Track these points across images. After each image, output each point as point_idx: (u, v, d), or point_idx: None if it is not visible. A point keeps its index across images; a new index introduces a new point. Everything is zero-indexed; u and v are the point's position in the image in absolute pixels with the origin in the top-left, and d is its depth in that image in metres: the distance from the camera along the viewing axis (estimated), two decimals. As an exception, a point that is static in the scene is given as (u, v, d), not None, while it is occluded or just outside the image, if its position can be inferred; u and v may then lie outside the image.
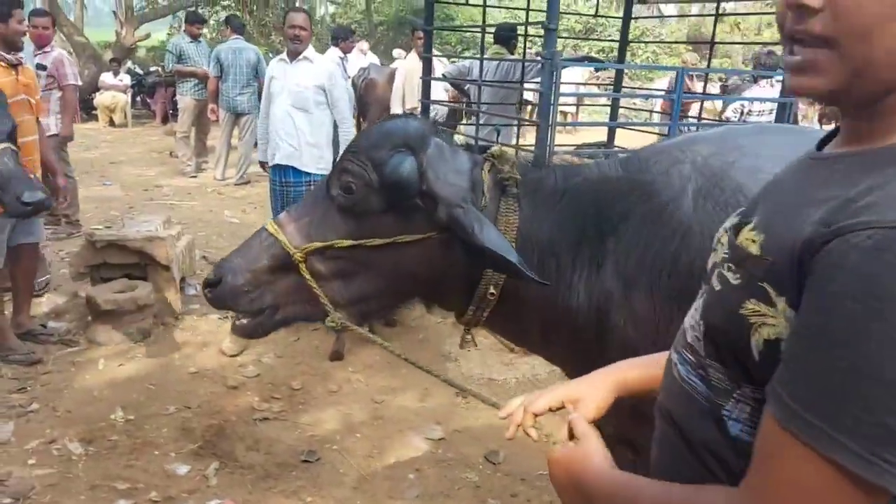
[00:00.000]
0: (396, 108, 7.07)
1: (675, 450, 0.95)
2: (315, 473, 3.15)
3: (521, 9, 5.16)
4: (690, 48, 14.96)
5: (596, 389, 1.17)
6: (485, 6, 4.94)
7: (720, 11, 5.48)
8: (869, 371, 0.65)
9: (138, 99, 14.91)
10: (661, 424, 1.00)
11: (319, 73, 4.49)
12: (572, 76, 10.60)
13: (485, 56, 5.29)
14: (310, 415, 3.65)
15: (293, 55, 4.52)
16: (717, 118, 6.82)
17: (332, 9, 25.95)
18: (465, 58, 8.92)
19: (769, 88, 6.13)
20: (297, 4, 18.27)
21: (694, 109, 7.69)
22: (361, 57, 10.66)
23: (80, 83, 6.18)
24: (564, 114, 11.02)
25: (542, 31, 3.76)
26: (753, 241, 0.83)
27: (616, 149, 5.12)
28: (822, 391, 0.68)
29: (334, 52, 9.36)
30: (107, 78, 13.40)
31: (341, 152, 1.85)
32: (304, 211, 1.81)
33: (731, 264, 0.86)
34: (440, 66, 6.89)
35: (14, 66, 3.98)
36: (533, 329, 1.83)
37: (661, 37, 19.46)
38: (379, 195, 1.69)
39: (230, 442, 3.36)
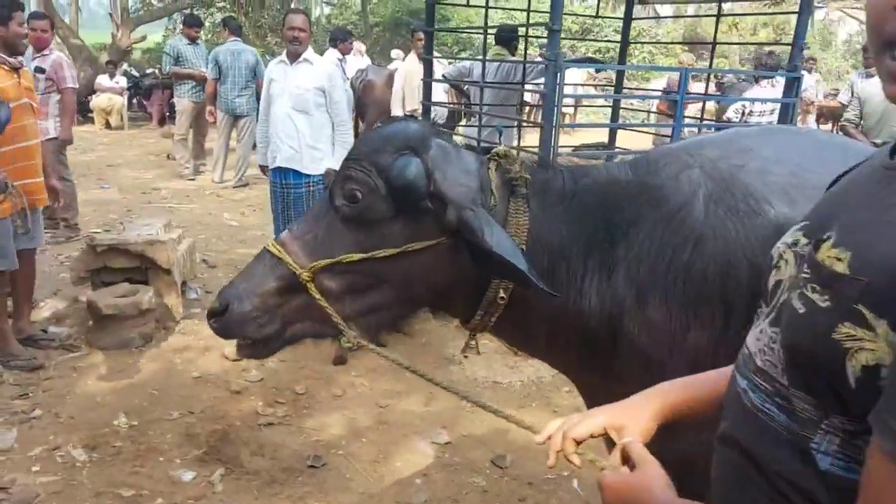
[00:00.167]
0: (396, 111, 7.06)
1: (745, 479, 0.91)
2: (321, 479, 3.14)
3: (521, 10, 5.16)
4: (686, 48, 14.97)
5: (639, 416, 1.13)
6: (487, 7, 4.94)
7: (721, 12, 5.48)
8: None
9: (135, 101, 14.87)
10: (727, 452, 0.97)
11: (319, 75, 4.47)
12: (572, 77, 10.60)
13: (486, 57, 5.28)
14: (314, 419, 3.64)
15: (293, 57, 4.50)
16: (716, 118, 6.82)
17: (327, 10, 25.92)
18: (463, 58, 8.91)
19: (770, 89, 6.14)
20: (293, 6, 18.25)
21: (691, 109, 7.68)
22: (360, 58, 10.65)
23: (77, 86, 6.16)
24: (563, 115, 11.03)
25: (541, 32, 3.76)
26: (839, 260, 0.78)
27: (617, 149, 5.13)
28: None
29: (333, 54, 9.34)
30: (103, 80, 13.34)
31: (337, 153, 1.79)
32: (306, 227, 1.73)
33: (815, 285, 0.81)
34: (440, 67, 6.88)
35: (16, 69, 3.96)
36: (540, 334, 1.79)
37: (658, 37, 19.47)
38: (386, 201, 1.64)
39: (235, 447, 3.34)
